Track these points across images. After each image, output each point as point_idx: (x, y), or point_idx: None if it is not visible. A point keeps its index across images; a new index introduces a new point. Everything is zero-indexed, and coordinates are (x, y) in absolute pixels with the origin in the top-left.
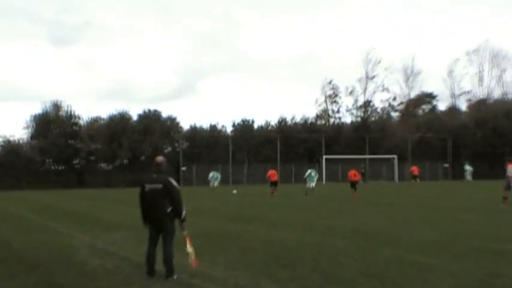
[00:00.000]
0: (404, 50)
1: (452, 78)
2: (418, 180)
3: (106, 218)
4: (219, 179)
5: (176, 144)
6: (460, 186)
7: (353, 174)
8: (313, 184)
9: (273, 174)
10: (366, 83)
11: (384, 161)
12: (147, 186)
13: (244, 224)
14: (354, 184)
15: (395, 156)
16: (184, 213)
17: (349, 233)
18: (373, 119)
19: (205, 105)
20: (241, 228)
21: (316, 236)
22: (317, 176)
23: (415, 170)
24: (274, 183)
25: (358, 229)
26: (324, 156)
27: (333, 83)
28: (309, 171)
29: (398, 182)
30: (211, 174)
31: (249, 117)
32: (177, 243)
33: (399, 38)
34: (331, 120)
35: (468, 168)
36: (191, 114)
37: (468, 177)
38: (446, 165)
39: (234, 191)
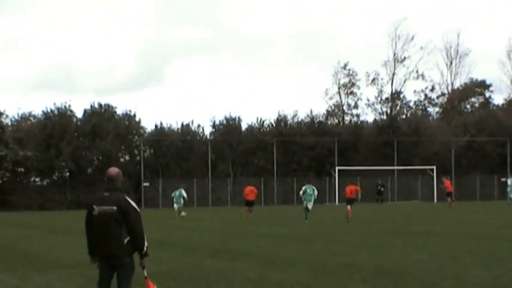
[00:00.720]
0: (447, 23)
1: None
2: (453, 199)
3: (39, 253)
4: (181, 198)
5: (136, 152)
6: None
7: (349, 190)
8: (310, 205)
9: (250, 191)
10: (394, 68)
11: (419, 173)
12: (96, 209)
13: (228, 261)
14: (351, 202)
15: (434, 167)
16: (146, 245)
17: (372, 273)
18: (403, 116)
19: (175, 98)
20: (225, 267)
21: (327, 278)
22: (315, 193)
23: (448, 185)
24: (250, 203)
25: (384, 268)
26: (337, 168)
27: (348, 67)
28: (304, 187)
29: (437, 202)
30: (175, 193)
31: (235, 114)
32: (136, 286)
33: (439, 7)
34: (347, 118)
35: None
36: (156, 110)
37: (511, 194)
38: (504, 179)
39: (183, 213)
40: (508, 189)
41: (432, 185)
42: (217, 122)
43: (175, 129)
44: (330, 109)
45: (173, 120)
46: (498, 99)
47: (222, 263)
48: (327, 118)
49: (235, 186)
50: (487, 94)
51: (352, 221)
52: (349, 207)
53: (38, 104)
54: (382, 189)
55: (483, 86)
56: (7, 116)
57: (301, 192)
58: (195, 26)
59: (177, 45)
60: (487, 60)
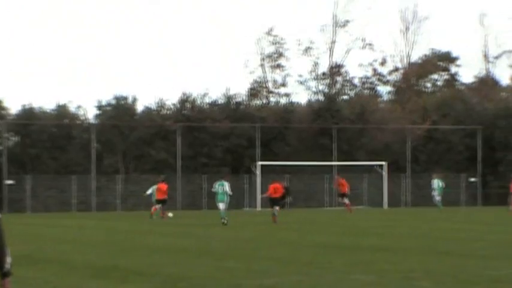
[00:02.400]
0: None
1: (486, 28)
2: (345, 200)
3: None
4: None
5: None
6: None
7: (274, 189)
8: (222, 205)
9: (162, 188)
10: (334, 34)
11: (365, 171)
12: None
13: (118, 282)
14: (275, 202)
15: (384, 163)
16: (8, 262)
17: None
18: (345, 97)
19: (49, 72)
20: None
21: None
22: (226, 189)
23: (342, 183)
24: (162, 202)
25: None
26: (259, 163)
27: (274, 32)
28: (216, 185)
29: (389, 208)
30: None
31: (126, 92)
32: None
33: None
34: (273, 99)
35: (437, 183)
36: (23, 87)
37: (437, 197)
38: (473, 179)
39: (170, 214)
40: (436, 192)
41: (382, 185)
42: (103, 103)
43: (49, 111)
44: (250, 87)
45: (45, 100)
46: (467, 76)
47: (110, 285)
48: (248, 99)
49: (127, 185)
50: (453, 70)
51: (278, 231)
52: (275, 208)
53: None
54: (287, 186)
55: (448, 59)
56: None
57: (214, 188)
58: None
59: None
60: (453, 26)
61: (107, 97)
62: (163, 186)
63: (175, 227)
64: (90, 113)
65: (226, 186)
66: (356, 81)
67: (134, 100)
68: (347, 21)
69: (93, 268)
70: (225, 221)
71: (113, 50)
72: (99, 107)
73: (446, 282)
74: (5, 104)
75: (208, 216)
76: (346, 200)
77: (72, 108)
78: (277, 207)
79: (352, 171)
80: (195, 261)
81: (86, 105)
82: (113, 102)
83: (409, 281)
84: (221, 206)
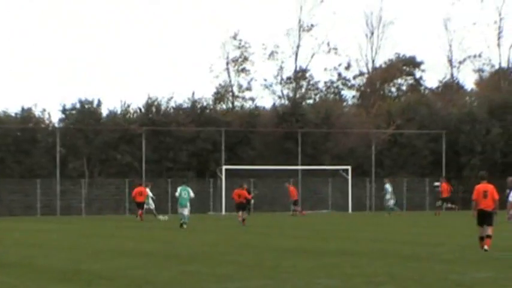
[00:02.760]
0: None
1: (451, 33)
2: (298, 209)
3: None
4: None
5: None
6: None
7: (237, 194)
8: (186, 211)
9: (138, 193)
10: (299, 39)
11: (330, 175)
12: None
13: (80, 286)
14: (242, 207)
15: (348, 167)
16: None
17: None
18: (310, 101)
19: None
20: None
21: None
22: (191, 195)
23: (291, 190)
24: (141, 204)
25: None
26: (224, 167)
27: (240, 37)
28: (179, 188)
29: (353, 212)
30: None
31: (91, 96)
32: None
33: None
34: (238, 103)
35: (389, 188)
36: None
37: (390, 202)
38: (437, 183)
39: (162, 217)
40: (388, 196)
41: (346, 189)
42: (68, 106)
43: (13, 115)
44: (216, 91)
45: (9, 104)
46: (431, 80)
47: None
48: (214, 103)
49: (91, 189)
50: (418, 74)
51: (243, 235)
52: (240, 213)
53: None
54: (250, 191)
55: (412, 63)
56: None
57: (176, 194)
58: None
59: None
60: (418, 31)
61: (71, 101)
62: (141, 190)
63: (140, 231)
64: (55, 117)
65: (191, 192)
66: (321, 85)
67: (98, 104)
68: (312, 26)
69: (57, 272)
70: (185, 225)
71: (78, 53)
72: (64, 111)
73: (410, 286)
74: None
75: (174, 220)
76: (298, 207)
77: (36, 112)
78: (240, 213)
79: (317, 175)
80: (160, 265)
81: (51, 109)
82: (78, 106)
83: (373, 285)
84: (186, 211)
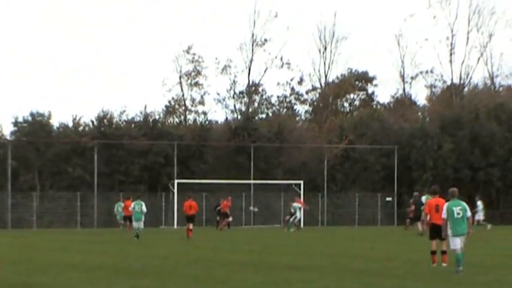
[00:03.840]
0: None
1: (403, 48)
2: (225, 222)
3: None
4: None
5: None
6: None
7: (189, 206)
8: (141, 224)
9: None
10: (252, 53)
11: (282, 190)
12: None
13: None
14: (191, 219)
15: (301, 182)
16: None
17: None
18: (263, 116)
19: None
20: None
21: None
22: (143, 209)
23: (225, 204)
24: (129, 218)
25: None
26: (177, 181)
27: (193, 51)
28: (134, 204)
29: (305, 227)
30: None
31: (42, 109)
32: None
33: None
34: (190, 117)
35: (480, 204)
36: None
37: (479, 216)
38: (389, 198)
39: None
40: (479, 213)
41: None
42: (20, 119)
43: None
44: (169, 105)
45: None
46: (383, 95)
47: None
48: (165, 117)
49: (42, 202)
50: (370, 89)
51: (194, 249)
52: (190, 226)
53: None
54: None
55: (365, 78)
56: None
57: (130, 209)
58: None
59: None
60: (371, 47)
61: (23, 113)
62: (129, 203)
63: (92, 245)
64: (6, 130)
65: (143, 206)
66: (274, 100)
67: (49, 117)
68: (265, 40)
69: (7, 285)
70: (138, 235)
71: (29, 65)
72: (15, 124)
73: None
74: None
75: (125, 234)
76: (224, 219)
77: None
78: (190, 225)
79: (269, 190)
80: (111, 279)
81: (2, 122)
82: (29, 118)
83: None
84: (141, 224)
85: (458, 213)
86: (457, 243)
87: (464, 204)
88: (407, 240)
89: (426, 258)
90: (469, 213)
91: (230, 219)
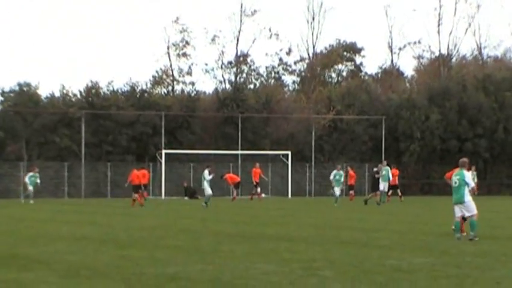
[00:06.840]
0: None
1: (391, 19)
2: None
3: None
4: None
5: None
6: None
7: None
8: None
9: (136, 176)
10: (241, 23)
11: (270, 160)
12: None
13: (18, 271)
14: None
15: (288, 152)
16: None
17: (206, 287)
18: (251, 86)
19: None
20: (13, 278)
21: None
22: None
23: (256, 172)
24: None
25: (221, 281)
26: (164, 151)
27: (181, 21)
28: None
29: (293, 198)
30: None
31: (30, 79)
32: None
33: None
34: (178, 87)
35: (336, 175)
36: None
37: (337, 192)
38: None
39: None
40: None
41: (286, 175)
42: (6, 89)
43: None
44: (156, 75)
45: None
46: (371, 66)
47: (10, 274)
48: (152, 87)
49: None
50: (358, 60)
51: (181, 220)
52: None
53: None
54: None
55: (353, 49)
56: None
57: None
58: None
59: None
60: (359, 17)
61: (10, 84)
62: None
63: (79, 215)
64: None
65: (38, 178)
66: (262, 70)
67: (37, 87)
68: (254, 11)
69: None
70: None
71: (17, 36)
72: (2, 94)
73: (349, 271)
74: None
75: (112, 204)
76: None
77: None
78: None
79: (257, 160)
80: (98, 250)
81: None
82: (17, 89)
83: (311, 271)
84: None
85: (455, 182)
86: (456, 211)
87: (465, 173)
88: (394, 211)
89: (413, 229)
90: (470, 184)
91: (259, 189)
